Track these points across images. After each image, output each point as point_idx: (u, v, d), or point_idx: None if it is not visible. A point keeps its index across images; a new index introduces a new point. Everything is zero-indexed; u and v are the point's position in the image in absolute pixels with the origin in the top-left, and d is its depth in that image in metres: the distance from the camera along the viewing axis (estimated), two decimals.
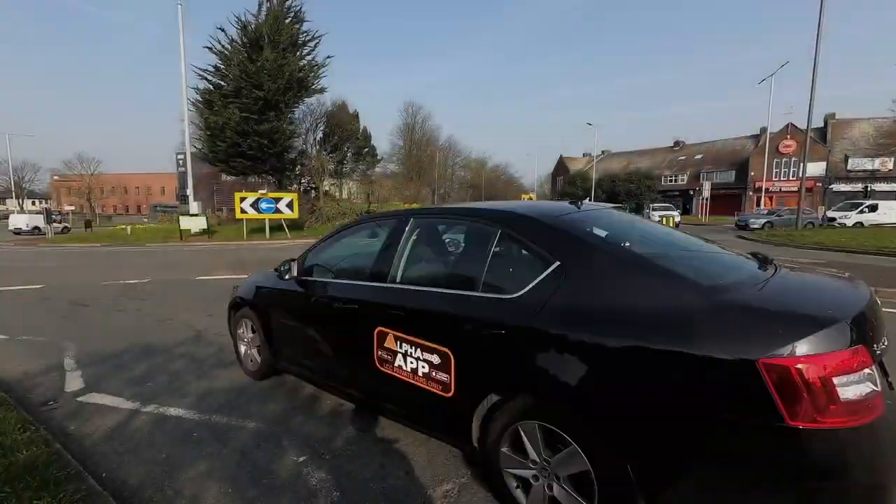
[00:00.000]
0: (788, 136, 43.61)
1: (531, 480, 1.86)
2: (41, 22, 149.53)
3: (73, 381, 3.52)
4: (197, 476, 2.26)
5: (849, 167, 41.81)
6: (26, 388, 3.43)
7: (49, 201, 74.51)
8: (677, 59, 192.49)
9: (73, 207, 59.98)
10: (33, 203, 75.14)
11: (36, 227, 26.22)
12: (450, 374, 2.08)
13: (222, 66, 22.81)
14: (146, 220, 49.07)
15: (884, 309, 5.90)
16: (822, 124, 44.84)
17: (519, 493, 1.93)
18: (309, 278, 3.02)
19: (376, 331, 2.41)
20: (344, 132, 28.67)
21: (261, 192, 20.84)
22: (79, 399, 3.20)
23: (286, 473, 2.26)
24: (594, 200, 50.30)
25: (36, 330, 5.07)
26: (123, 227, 27.45)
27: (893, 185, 40.99)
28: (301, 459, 2.38)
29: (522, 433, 1.85)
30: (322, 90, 25.03)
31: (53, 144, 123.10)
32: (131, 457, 2.45)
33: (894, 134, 26.49)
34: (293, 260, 3.11)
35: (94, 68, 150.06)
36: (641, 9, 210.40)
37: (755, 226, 23.15)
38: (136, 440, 2.62)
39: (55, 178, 72.57)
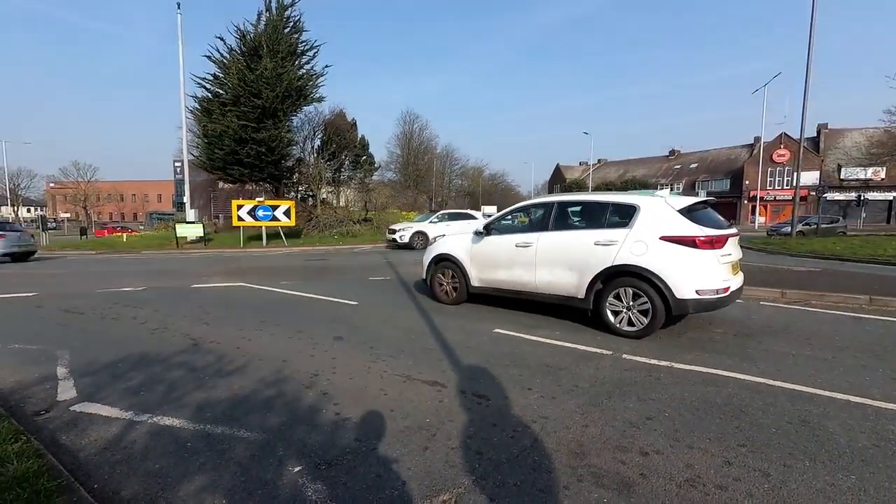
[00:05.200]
0: (782, 146, 44.11)
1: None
2: (41, 36, 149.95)
3: (67, 391, 3.48)
4: (192, 488, 2.23)
5: (842, 176, 42.28)
6: (18, 397, 3.38)
7: (44, 208, 74.14)
8: (673, 70, 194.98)
9: (68, 214, 59.69)
10: (28, 210, 74.70)
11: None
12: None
13: (221, 75, 22.89)
14: (142, 227, 48.86)
15: (879, 317, 5.88)
16: (815, 134, 45.39)
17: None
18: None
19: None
20: (342, 140, 28.71)
21: (258, 199, 20.82)
22: (72, 409, 3.16)
23: (282, 485, 2.24)
24: None
25: (29, 338, 5.02)
26: (119, 234, 27.31)
27: (886, 193, 41.45)
28: (297, 470, 2.35)
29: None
30: (320, 99, 25.13)
31: (50, 152, 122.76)
32: (125, 468, 2.41)
33: (885, 144, 26.81)
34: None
35: (93, 79, 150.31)
36: (638, 20, 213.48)
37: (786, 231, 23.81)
38: (131, 451, 2.59)
39: (51, 185, 72.22)
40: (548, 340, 4.73)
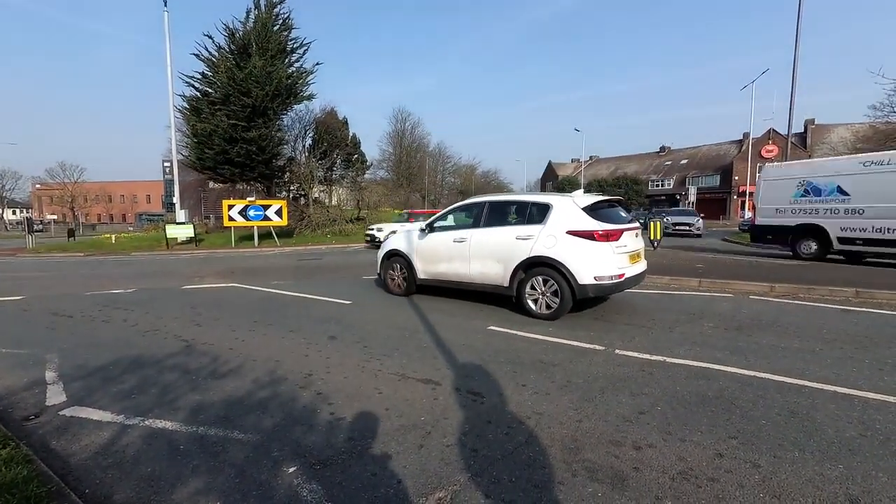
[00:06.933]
0: (770, 141, 44.64)
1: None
2: (25, 33, 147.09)
3: (56, 395, 3.43)
4: (187, 491, 2.21)
5: None
6: (6, 403, 3.33)
7: (30, 210, 72.85)
8: (664, 66, 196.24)
9: (55, 216, 58.69)
10: (13, 212, 73.35)
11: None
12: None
13: (210, 73, 22.60)
14: (131, 228, 48.22)
15: (865, 309, 5.97)
16: (802, 129, 45.97)
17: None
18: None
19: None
20: (333, 139, 28.52)
21: (249, 199, 20.63)
22: (62, 413, 3.12)
23: (278, 486, 2.23)
24: None
25: (17, 342, 4.94)
26: (108, 235, 26.95)
27: None
28: (292, 470, 2.35)
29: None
30: (311, 97, 24.91)
31: (36, 153, 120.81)
32: (117, 472, 2.39)
33: (871, 139, 27.23)
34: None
35: (80, 77, 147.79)
36: (627, 17, 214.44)
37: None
38: (123, 455, 2.56)
39: (37, 186, 70.99)
40: (542, 337, 4.76)
